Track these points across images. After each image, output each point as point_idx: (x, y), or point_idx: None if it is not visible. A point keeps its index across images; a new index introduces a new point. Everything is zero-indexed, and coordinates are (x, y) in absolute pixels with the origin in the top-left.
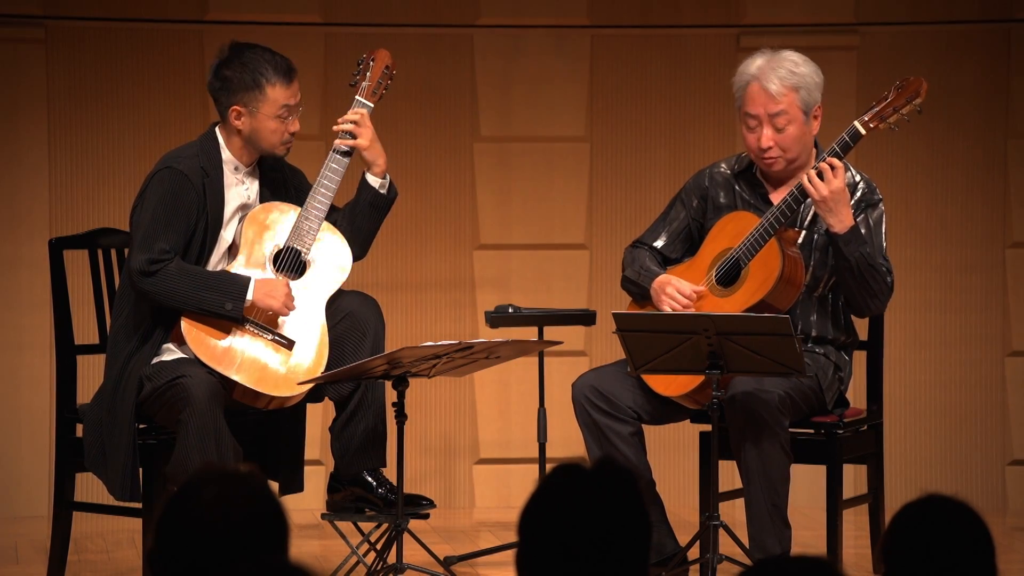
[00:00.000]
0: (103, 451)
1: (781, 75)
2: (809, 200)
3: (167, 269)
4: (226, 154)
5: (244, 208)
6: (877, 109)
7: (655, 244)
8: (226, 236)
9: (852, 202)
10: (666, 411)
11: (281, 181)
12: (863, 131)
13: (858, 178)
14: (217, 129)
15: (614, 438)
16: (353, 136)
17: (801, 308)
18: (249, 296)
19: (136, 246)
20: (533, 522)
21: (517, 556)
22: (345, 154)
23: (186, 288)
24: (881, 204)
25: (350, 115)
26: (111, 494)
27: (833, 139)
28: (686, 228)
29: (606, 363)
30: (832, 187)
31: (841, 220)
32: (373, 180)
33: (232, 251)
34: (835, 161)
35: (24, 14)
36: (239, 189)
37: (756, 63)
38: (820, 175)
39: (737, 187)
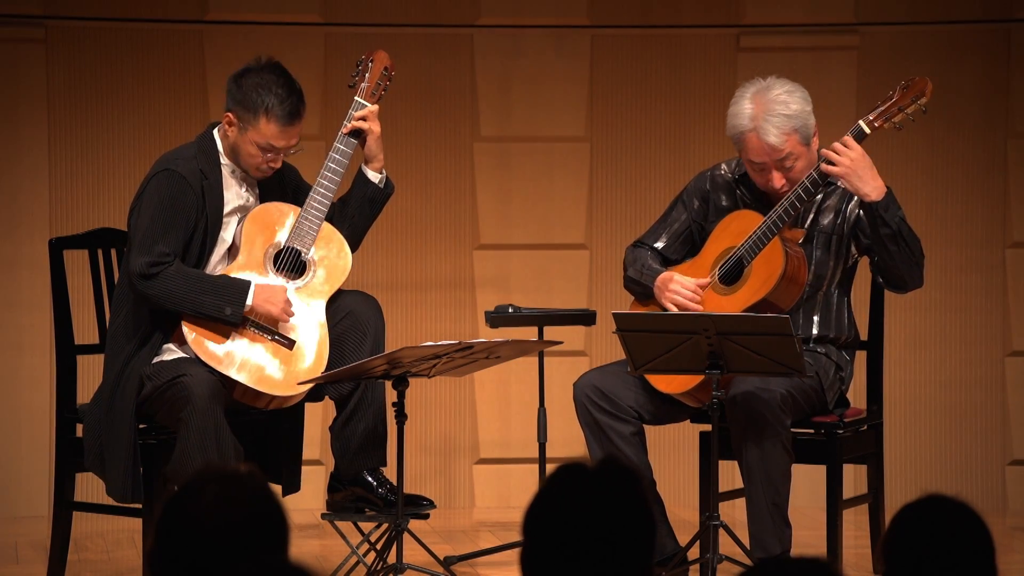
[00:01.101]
0: (103, 451)
1: (777, 124)
2: (813, 197)
3: (167, 272)
4: (223, 157)
5: (243, 209)
6: (882, 108)
7: (656, 245)
8: (226, 237)
9: (855, 200)
10: (667, 411)
11: (278, 180)
12: (868, 130)
13: None
14: (215, 131)
15: (615, 437)
16: (362, 132)
17: (803, 307)
18: (249, 301)
19: (135, 249)
20: (537, 522)
21: (521, 556)
22: (354, 134)
23: (185, 292)
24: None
25: (362, 111)
26: (110, 495)
27: (837, 139)
28: (687, 230)
29: (607, 363)
30: (853, 155)
31: (875, 187)
32: (372, 175)
33: (232, 252)
34: (846, 138)
35: (24, 14)
36: (238, 190)
37: (747, 111)
38: (835, 153)
39: (739, 191)
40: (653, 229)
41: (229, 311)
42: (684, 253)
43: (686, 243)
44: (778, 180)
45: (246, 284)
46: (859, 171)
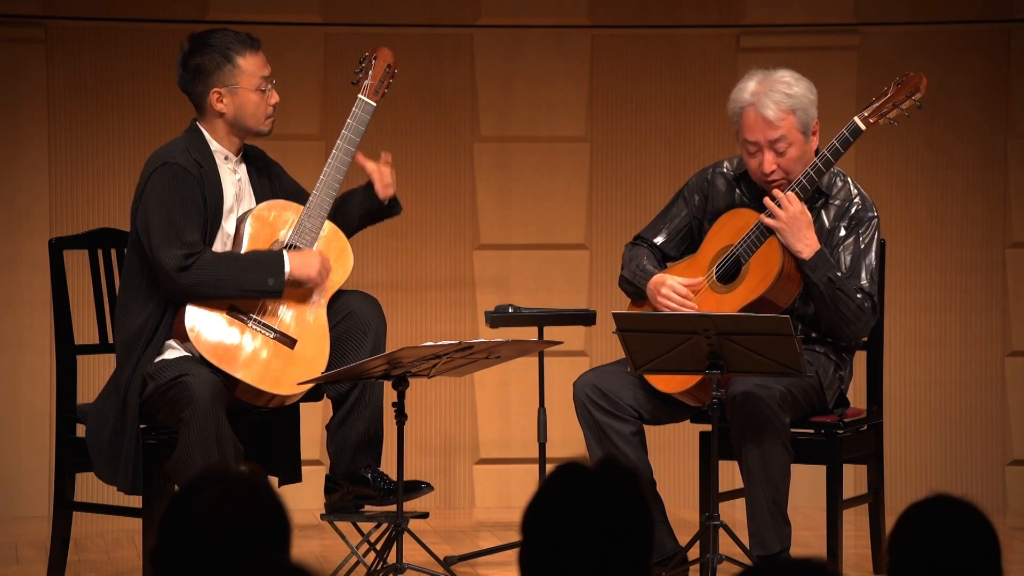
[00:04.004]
0: (107, 451)
1: (776, 99)
2: (807, 195)
3: (203, 257)
4: (214, 145)
5: (238, 199)
6: (877, 105)
7: (655, 240)
8: (227, 229)
9: (845, 219)
10: (667, 410)
11: (265, 168)
12: (863, 127)
13: (855, 191)
14: (199, 124)
15: (615, 437)
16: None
17: (802, 308)
18: (287, 269)
19: (161, 244)
20: (536, 521)
21: (520, 555)
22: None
23: (226, 273)
24: (875, 222)
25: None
26: (115, 484)
27: (833, 137)
28: (687, 226)
29: (607, 362)
30: (791, 211)
31: (807, 244)
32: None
33: (235, 247)
34: (788, 194)
35: (24, 14)
36: (232, 178)
37: (750, 88)
38: (778, 204)
39: (738, 189)
40: (653, 224)
41: (272, 282)
42: (683, 249)
43: (686, 239)
44: (769, 163)
45: (280, 253)
46: (794, 227)
